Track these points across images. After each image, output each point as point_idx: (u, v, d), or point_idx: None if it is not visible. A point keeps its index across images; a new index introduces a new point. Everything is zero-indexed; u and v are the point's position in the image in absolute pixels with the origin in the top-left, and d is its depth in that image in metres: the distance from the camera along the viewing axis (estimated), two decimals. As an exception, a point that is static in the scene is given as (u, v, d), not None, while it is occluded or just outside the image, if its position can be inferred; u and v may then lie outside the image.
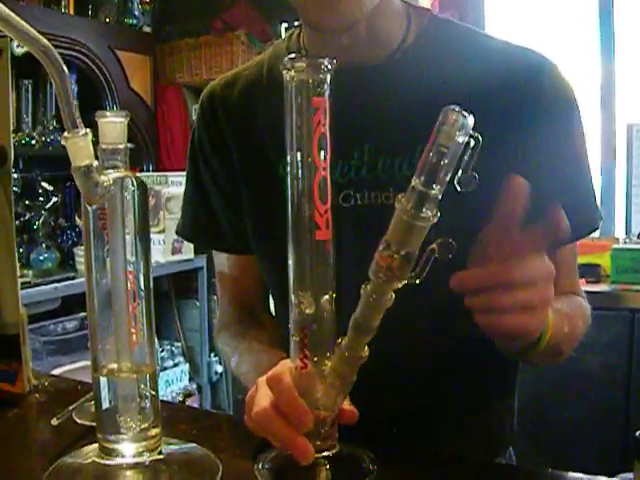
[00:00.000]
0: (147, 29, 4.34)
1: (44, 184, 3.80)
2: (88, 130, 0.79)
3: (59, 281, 3.45)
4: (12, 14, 0.72)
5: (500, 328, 0.85)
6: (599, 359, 3.01)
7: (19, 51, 3.15)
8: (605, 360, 3.02)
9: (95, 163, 0.79)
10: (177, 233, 1.47)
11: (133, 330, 0.87)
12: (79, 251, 3.69)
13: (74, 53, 3.71)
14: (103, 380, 0.88)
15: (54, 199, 3.82)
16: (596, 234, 3.39)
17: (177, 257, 3.91)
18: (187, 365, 4.28)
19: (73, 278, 3.53)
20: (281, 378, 0.89)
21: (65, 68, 0.76)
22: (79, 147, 0.78)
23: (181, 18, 4.36)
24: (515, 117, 1.14)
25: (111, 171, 0.83)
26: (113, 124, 0.84)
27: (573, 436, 3.04)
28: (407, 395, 1.24)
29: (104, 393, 0.88)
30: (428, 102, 0.99)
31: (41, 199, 3.76)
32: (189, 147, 1.41)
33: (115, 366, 0.88)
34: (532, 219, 0.84)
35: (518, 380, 1.38)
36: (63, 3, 3.87)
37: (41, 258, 3.59)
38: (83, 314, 3.69)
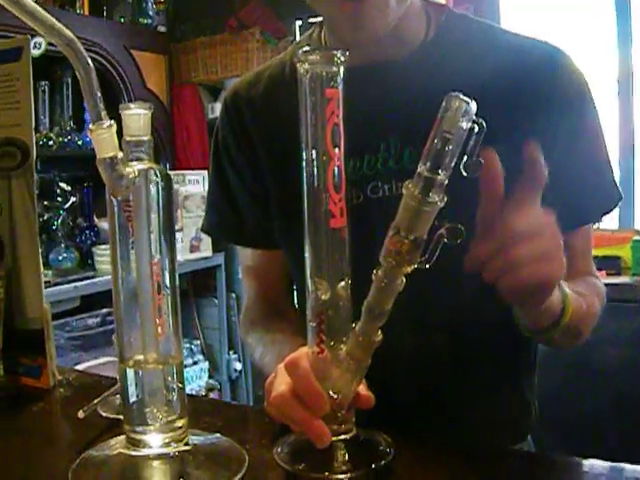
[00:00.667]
0: (162, 28, 4.36)
1: (62, 184, 3.82)
2: (112, 122, 0.79)
3: (78, 280, 3.47)
4: (38, 7, 0.72)
5: (522, 284, 0.86)
6: (619, 351, 3.00)
7: (35, 52, 3.17)
8: (625, 352, 3.01)
9: (120, 155, 0.80)
10: (202, 230, 1.48)
11: (159, 322, 0.87)
12: (98, 250, 3.71)
13: (89, 54, 3.65)
14: (130, 372, 0.88)
15: (72, 199, 3.84)
16: (616, 226, 3.39)
17: (195, 255, 3.93)
18: (206, 363, 4.29)
19: (92, 277, 3.56)
20: (298, 363, 0.91)
21: (89, 60, 0.77)
22: (104, 139, 0.78)
23: (195, 17, 4.37)
24: (532, 107, 1.17)
25: (136, 163, 0.84)
26: (137, 116, 0.84)
27: (592, 429, 3.03)
28: (423, 378, 1.25)
29: (131, 386, 0.88)
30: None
31: (59, 199, 3.78)
32: (212, 147, 1.43)
33: (141, 357, 0.88)
34: (552, 203, 0.87)
35: (537, 368, 1.39)
36: (78, 4, 3.89)
37: (60, 258, 3.61)
38: (106, 310, 3.71)
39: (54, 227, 3.68)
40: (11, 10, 0.73)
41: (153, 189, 0.85)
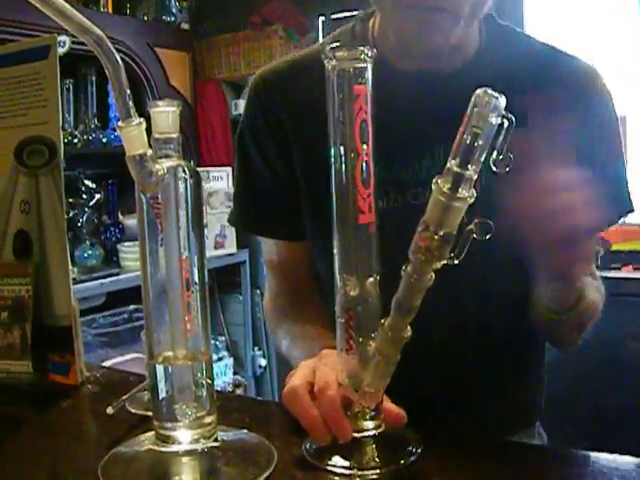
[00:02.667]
0: (185, 26, 4.36)
1: (87, 182, 3.83)
2: (142, 119, 0.79)
3: (104, 277, 3.48)
4: (67, 5, 0.73)
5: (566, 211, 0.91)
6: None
7: (60, 51, 3.18)
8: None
9: (149, 152, 0.80)
10: (228, 222, 1.49)
11: (187, 318, 0.87)
12: (123, 247, 3.72)
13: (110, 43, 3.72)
14: (160, 369, 0.89)
15: (97, 196, 3.85)
16: (641, 221, 3.37)
17: (220, 252, 3.94)
18: (231, 359, 4.29)
19: (118, 274, 3.57)
20: (326, 389, 0.92)
21: (118, 58, 0.77)
22: (133, 136, 0.79)
23: (218, 14, 4.37)
24: (568, 118, 1.17)
25: (164, 160, 0.84)
26: (165, 113, 0.85)
27: (615, 424, 3.02)
28: (448, 371, 1.28)
29: (161, 382, 0.89)
30: None
31: (84, 197, 3.79)
32: (237, 137, 1.41)
33: (171, 354, 0.89)
34: None
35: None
36: (102, 2, 3.90)
37: (85, 255, 3.63)
38: (132, 307, 3.73)
39: (79, 224, 3.69)
40: (40, 8, 0.73)
41: (182, 186, 0.86)
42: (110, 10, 3.96)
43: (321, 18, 4.17)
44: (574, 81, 1.24)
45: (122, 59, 0.77)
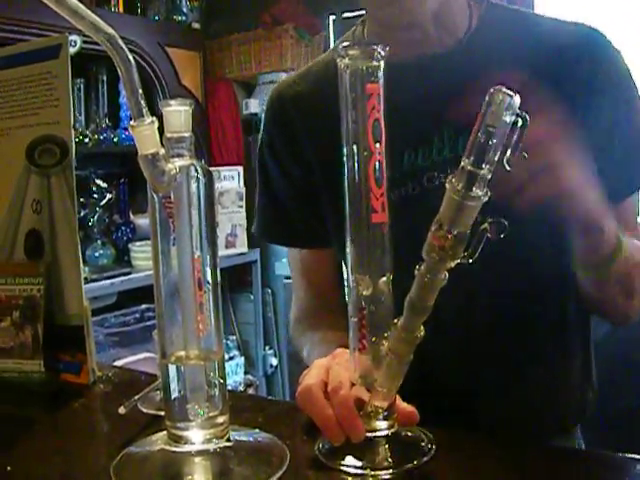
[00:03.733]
0: (196, 25, 4.36)
1: (98, 181, 3.84)
2: (154, 118, 0.79)
3: (115, 277, 3.49)
4: (80, 5, 0.73)
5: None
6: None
7: (71, 50, 3.18)
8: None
9: (162, 151, 0.80)
10: (255, 233, 1.51)
11: (200, 318, 0.87)
12: (134, 247, 3.73)
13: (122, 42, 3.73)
14: (172, 369, 0.88)
15: (108, 196, 3.86)
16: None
17: (231, 251, 3.94)
18: (242, 358, 4.30)
19: (129, 274, 3.58)
20: (339, 389, 0.92)
21: (130, 57, 0.77)
22: (145, 135, 0.79)
23: (229, 13, 4.38)
24: (575, 87, 1.19)
25: (177, 159, 0.84)
26: (178, 113, 0.84)
27: (631, 426, 3.00)
28: (459, 368, 1.27)
29: (173, 382, 0.89)
30: (495, 82, 1.08)
31: (95, 196, 3.80)
32: (257, 153, 1.45)
33: (183, 354, 0.88)
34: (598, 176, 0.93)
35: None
36: (113, 2, 3.91)
37: (97, 254, 3.64)
38: (144, 306, 3.74)
39: (90, 224, 3.70)
40: (54, 8, 0.73)
41: (194, 185, 0.85)
42: (121, 10, 3.98)
43: (332, 17, 4.17)
44: (577, 46, 1.22)
45: (133, 59, 0.77)
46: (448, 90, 1.19)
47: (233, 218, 3.85)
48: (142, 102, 0.78)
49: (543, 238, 1.18)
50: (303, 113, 1.35)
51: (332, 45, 4.03)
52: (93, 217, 3.72)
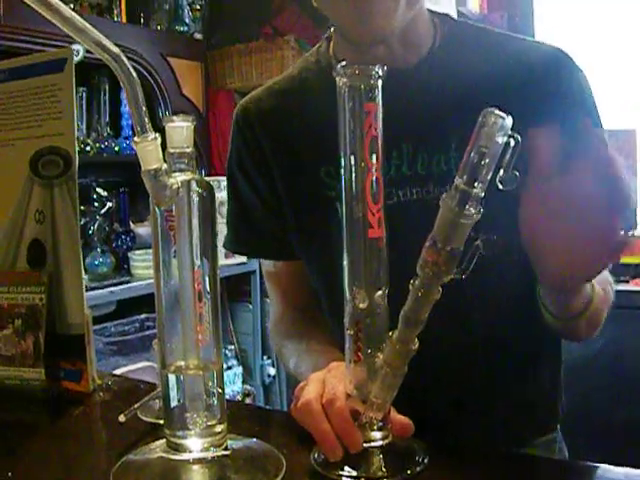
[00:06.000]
0: (198, 36, 4.38)
1: (99, 190, 3.85)
2: (157, 134, 0.81)
3: (114, 285, 3.50)
4: (87, 24, 0.75)
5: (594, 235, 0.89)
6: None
7: (74, 59, 3.20)
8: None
9: (164, 166, 0.82)
10: (224, 246, 1.50)
11: (199, 329, 0.89)
12: (134, 255, 3.74)
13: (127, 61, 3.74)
14: (172, 378, 0.90)
15: (109, 204, 3.86)
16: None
17: (230, 261, 3.95)
18: (240, 368, 4.30)
19: (128, 282, 3.58)
20: (334, 400, 0.94)
21: (135, 75, 0.79)
22: (148, 151, 0.81)
23: (231, 24, 4.39)
24: (536, 108, 1.18)
25: (179, 174, 0.86)
26: (180, 129, 0.86)
27: (625, 437, 3.02)
28: (456, 381, 1.29)
29: (173, 390, 0.91)
30: (457, 100, 1.18)
31: (96, 204, 3.81)
32: (227, 166, 1.47)
33: (182, 364, 0.90)
34: None
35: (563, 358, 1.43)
36: (115, 12, 3.93)
37: (96, 262, 3.64)
38: (144, 316, 3.75)
39: (90, 232, 3.70)
40: (62, 27, 0.75)
41: (195, 199, 0.87)
42: (124, 20, 3.99)
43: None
44: (539, 65, 1.23)
45: (135, 68, 0.80)
46: (408, 106, 1.22)
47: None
48: (146, 119, 0.80)
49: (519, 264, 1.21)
50: (267, 129, 1.37)
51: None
52: (93, 225, 3.72)
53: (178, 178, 0.85)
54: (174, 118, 0.86)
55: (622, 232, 0.87)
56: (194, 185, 0.87)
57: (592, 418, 2.95)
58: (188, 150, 0.87)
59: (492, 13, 4.02)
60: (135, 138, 0.81)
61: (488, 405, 1.30)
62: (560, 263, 0.92)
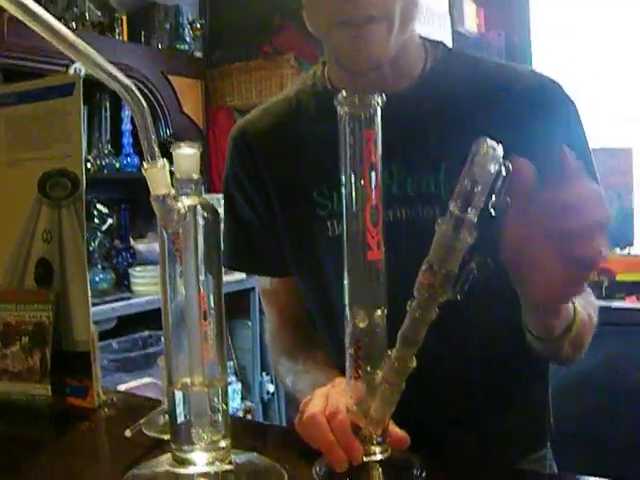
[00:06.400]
0: (198, 54, 4.43)
1: (99, 206, 3.87)
2: (166, 161, 0.85)
3: (115, 301, 3.52)
4: (100, 57, 0.79)
5: (576, 257, 0.87)
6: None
7: (75, 77, 3.23)
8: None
9: (172, 192, 0.86)
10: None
11: (205, 347, 0.92)
12: (134, 272, 3.75)
13: (128, 78, 3.75)
14: (178, 394, 0.93)
15: (109, 221, 3.89)
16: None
17: (229, 278, 3.96)
18: (239, 384, 4.32)
19: (129, 298, 3.61)
20: (336, 414, 0.97)
21: (145, 105, 0.83)
22: (157, 177, 0.84)
23: (231, 43, 4.43)
24: (522, 136, 1.21)
25: (185, 198, 0.89)
26: (187, 156, 0.90)
27: (622, 453, 3.03)
28: (452, 398, 1.32)
29: (179, 406, 0.93)
30: (447, 124, 1.21)
31: (97, 221, 3.83)
32: (223, 184, 1.50)
33: (188, 381, 0.93)
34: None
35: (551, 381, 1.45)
36: (117, 30, 3.97)
37: (97, 279, 3.65)
38: (147, 333, 3.76)
39: (91, 248, 3.72)
40: (75, 59, 0.79)
41: (201, 223, 0.91)
42: (125, 38, 4.03)
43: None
44: (531, 95, 1.26)
45: (136, 86, 0.83)
46: (398, 129, 1.24)
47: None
48: (155, 146, 0.84)
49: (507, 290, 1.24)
50: (264, 149, 1.40)
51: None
52: (94, 242, 3.74)
53: (185, 202, 0.88)
54: (181, 144, 0.89)
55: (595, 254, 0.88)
56: (200, 209, 0.91)
57: (587, 435, 2.96)
58: (195, 176, 0.91)
59: (489, 32, 4.06)
60: (145, 164, 0.84)
61: (483, 422, 1.32)
62: (538, 282, 0.93)
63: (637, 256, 3.31)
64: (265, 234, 1.44)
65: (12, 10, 0.74)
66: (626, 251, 3.36)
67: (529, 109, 1.24)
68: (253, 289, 4.18)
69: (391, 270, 0.93)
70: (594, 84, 3.53)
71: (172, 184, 0.87)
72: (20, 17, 0.74)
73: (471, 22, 3.97)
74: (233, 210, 1.47)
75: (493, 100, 1.25)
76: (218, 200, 3.88)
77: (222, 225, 0.98)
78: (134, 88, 0.81)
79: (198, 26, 4.45)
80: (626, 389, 3.02)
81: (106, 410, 1.32)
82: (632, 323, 3.09)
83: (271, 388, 4.37)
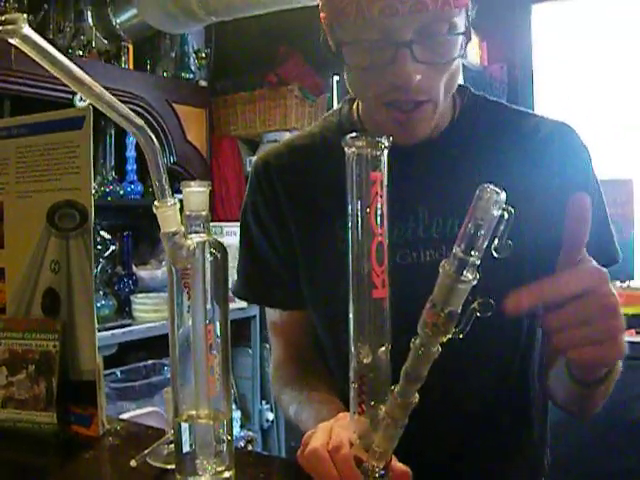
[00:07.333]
0: (203, 83, 4.46)
1: (102, 233, 3.89)
2: (176, 200, 0.87)
3: (116, 328, 3.53)
4: (115, 99, 0.81)
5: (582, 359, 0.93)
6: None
7: (80, 105, 3.26)
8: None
9: (182, 229, 0.88)
10: (233, 293, 1.54)
11: (210, 380, 0.94)
12: (136, 299, 3.77)
13: (133, 107, 3.80)
14: (184, 426, 0.95)
15: (112, 247, 3.91)
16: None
17: (231, 306, 3.95)
18: (239, 412, 4.32)
19: (130, 325, 3.61)
20: (340, 448, 0.98)
21: (157, 144, 0.85)
22: (168, 215, 0.87)
23: (236, 72, 4.48)
24: (543, 181, 1.27)
25: (194, 235, 0.92)
26: (197, 193, 0.92)
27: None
28: (452, 437, 1.34)
29: (184, 437, 0.95)
30: (472, 170, 1.24)
31: (99, 247, 3.84)
32: (241, 213, 1.51)
33: (194, 413, 0.95)
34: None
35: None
36: (123, 59, 4.01)
37: (99, 305, 3.66)
38: (151, 362, 3.77)
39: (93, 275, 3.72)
40: (91, 101, 0.81)
41: (209, 259, 0.93)
42: (131, 66, 4.07)
43: (335, 78, 4.26)
44: (550, 142, 1.31)
45: (141, 114, 0.86)
46: (426, 174, 1.30)
47: (234, 273, 3.89)
48: (166, 185, 0.86)
49: (513, 325, 1.27)
50: (286, 184, 1.42)
51: (335, 105, 4.11)
52: (96, 268, 3.76)
53: (194, 239, 0.91)
54: (191, 183, 0.92)
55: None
56: (208, 246, 0.93)
57: (587, 467, 2.97)
58: (204, 213, 0.93)
59: (492, 65, 4.09)
60: (156, 203, 0.87)
61: (482, 456, 1.34)
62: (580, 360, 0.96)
63: (637, 289, 3.31)
64: (281, 267, 1.45)
65: (35, 57, 0.76)
66: (626, 284, 3.37)
67: (550, 156, 1.29)
68: (254, 317, 4.19)
69: (412, 309, 0.94)
70: (595, 115, 3.57)
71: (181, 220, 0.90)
72: (44, 65, 0.77)
73: (474, 55, 4.00)
74: (248, 240, 1.49)
75: (516, 147, 1.30)
76: (221, 228, 3.91)
77: (229, 262, 1.00)
78: (147, 129, 0.84)
79: (203, 55, 4.50)
80: (628, 422, 3.02)
81: (110, 439, 1.33)
82: (632, 357, 3.09)
83: (270, 416, 4.37)
